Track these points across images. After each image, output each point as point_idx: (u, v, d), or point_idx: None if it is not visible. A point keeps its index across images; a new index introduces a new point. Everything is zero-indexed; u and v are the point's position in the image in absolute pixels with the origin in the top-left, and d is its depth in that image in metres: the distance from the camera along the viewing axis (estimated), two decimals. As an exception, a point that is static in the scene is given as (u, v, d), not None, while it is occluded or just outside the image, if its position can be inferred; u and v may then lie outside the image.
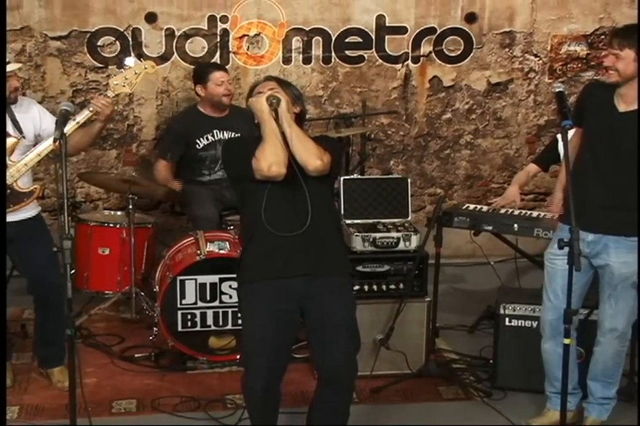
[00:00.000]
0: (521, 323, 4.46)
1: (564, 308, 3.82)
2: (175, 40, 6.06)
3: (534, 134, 6.66)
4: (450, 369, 4.78)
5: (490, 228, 4.98)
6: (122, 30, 5.98)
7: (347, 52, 6.28)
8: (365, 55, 6.31)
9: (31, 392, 4.49)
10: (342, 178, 4.80)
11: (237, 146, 3.76)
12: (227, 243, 4.85)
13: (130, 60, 4.60)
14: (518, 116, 6.62)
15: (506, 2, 6.37)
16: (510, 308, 4.50)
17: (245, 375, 3.67)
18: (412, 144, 6.57)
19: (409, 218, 4.85)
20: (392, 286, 4.64)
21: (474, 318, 5.39)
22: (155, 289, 4.98)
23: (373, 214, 4.81)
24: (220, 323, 4.78)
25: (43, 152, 4.21)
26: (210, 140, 5.62)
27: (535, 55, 6.51)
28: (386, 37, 6.28)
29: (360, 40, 6.26)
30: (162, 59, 6.04)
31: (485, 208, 5.14)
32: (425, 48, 6.35)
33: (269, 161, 3.43)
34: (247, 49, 6.17)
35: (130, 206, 5.12)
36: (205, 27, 6.08)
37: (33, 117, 4.34)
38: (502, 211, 5.07)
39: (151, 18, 5.99)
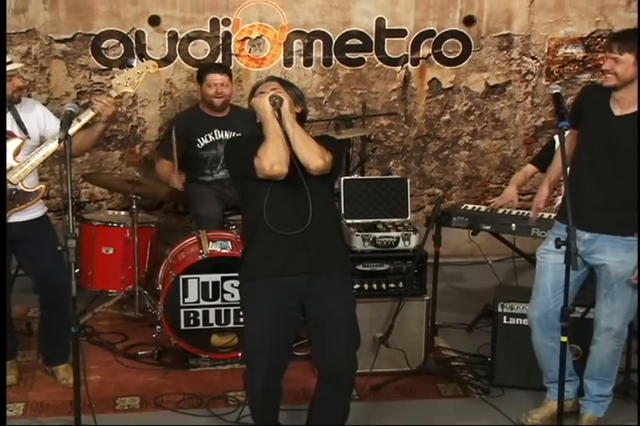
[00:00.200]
0: (519, 321, 4.46)
1: (552, 303, 3.85)
2: (178, 43, 6.06)
3: (531, 135, 6.66)
4: (449, 366, 4.78)
5: (488, 227, 5.00)
6: (125, 33, 5.98)
7: (348, 55, 6.28)
8: (365, 57, 6.31)
9: (36, 389, 4.49)
10: (342, 178, 4.80)
11: (240, 145, 3.76)
12: (229, 242, 4.85)
13: (133, 61, 4.60)
14: (516, 117, 6.62)
15: (504, 5, 6.37)
16: (508, 306, 4.51)
17: (247, 372, 3.67)
18: (412, 145, 6.57)
19: (409, 218, 4.85)
20: (392, 285, 4.64)
21: (473, 316, 5.38)
22: (158, 288, 4.99)
23: (373, 214, 4.81)
24: (222, 321, 4.78)
25: (48, 152, 4.20)
26: (211, 139, 5.63)
27: (533, 58, 6.51)
28: (386, 39, 6.29)
29: (361, 42, 6.27)
30: (165, 61, 6.05)
31: (483, 208, 5.16)
32: (425, 50, 6.35)
33: (271, 160, 3.43)
34: (249, 52, 6.17)
35: (134, 206, 5.12)
36: (208, 30, 6.08)
37: (37, 118, 4.34)
38: (500, 211, 5.08)
39: (154, 21, 6.00)
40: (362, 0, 6.20)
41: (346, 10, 6.21)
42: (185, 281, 4.72)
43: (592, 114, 3.85)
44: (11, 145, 4.21)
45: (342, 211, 4.73)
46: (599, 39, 6.48)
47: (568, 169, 3.60)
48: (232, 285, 4.70)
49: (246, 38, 6.14)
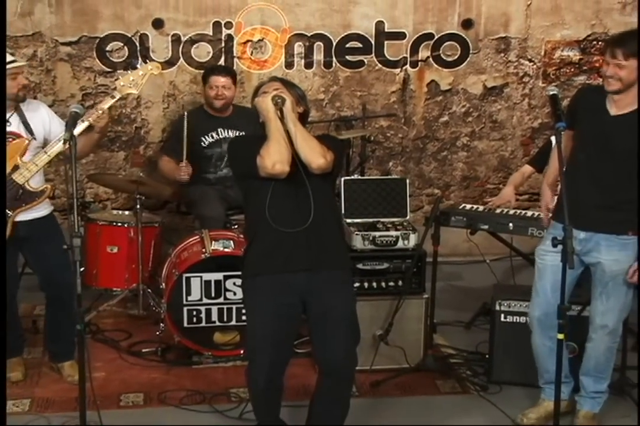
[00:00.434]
0: (516, 319, 4.46)
1: (552, 303, 3.84)
2: (181, 46, 6.06)
3: (528, 137, 6.66)
4: (447, 363, 4.78)
5: (486, 227, 5.00)
6: (130, 35, 5.98)
7: (348, 57, 6.28)
8: (365, 60, 6.31)
9: (42, 385, 4.49)
10: (342, 179, 4.80)
11: (243, 144, 3.76)
12: (232, 241, 4.85)
13: (138, 64, 4.60)
14: (513, 118, 6.62)
15: (501, 8, 6.37)
16: (505, 304, 4.50)
17: (249, 369, 3.67)
18: (411, 146, 6.57)
19: (408, 217, 4.85)
20: (391, 284, 4.64)
21: (471, 314, 5.38)
22: (161, 286, 4.99)
23: (373, 214, 4.81)
24: (225, 319, 4.78)
25: (53, 153, 4.20)
26: (215, 138, 5.62)
27: (530, 60, 6.51)
28: (385, 42, 6.29)
29: (360, 45, 6.27)
30: (169, 63, 6.05)
31: (481, 208, 5.16)
32: (423, 53, 6.35)
33: (273, 159, 3.44)
34: (251, 54, 6.17)
35: (138, 206, 5.12)
36: (211, 33, 6.08)
37: (42, 120, 4.34)
38: (498, 210, 5.09)
39: (158, 24, 6.00)
40: (362, 4, 6.21)
41: (346, 13, 6.21)
42: (188, 279, 4.71)
43: (588, 115, 3.85)
44: (17, 145, 4.21)
45: (343, 211, 4.73)
46: (594, 42, 6.49)
47: (564, 169, 3.60)
48: (234, 283, 4.70)
49: (248, 41, 6.14)
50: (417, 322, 4.66)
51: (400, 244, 4.63)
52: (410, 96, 6.45)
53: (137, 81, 4.37)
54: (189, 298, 4.73)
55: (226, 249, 4.77)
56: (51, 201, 4.49)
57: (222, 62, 6.10)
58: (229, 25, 6.08)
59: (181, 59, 6.09)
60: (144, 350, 4.88)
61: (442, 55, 6.38)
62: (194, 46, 6.09)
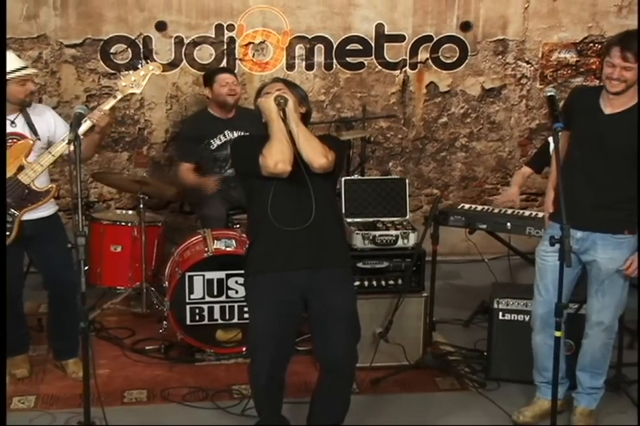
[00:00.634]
0: (514, 316, 4.46)
1: (555, 302, 3.83)
2: (184, 48, 6.06)
3: (526, 137, 6.66)
4: (446, 361, 4.78)
5: (484, 226, 5.01)
6: (133, 38, 5.98)
7: (348, 59, 6.28)
8: (365, 62, 6.31)
9: (47, 382, 4.49)
10: (343, 179, 4.80)
11: (246, 144, 3.76)
12: (234, 240, 4.85)
13: (140, 65, 4.59)
14: (511, 119, 6.62)
15: (499, 11, 6.37)
16: (503, 302, 4.50)
17: (251, 366, 3.68)
18: (410, 146, 6.57)
19: (407, 217, 4.85)
20: (391, 282, 4.64)
21: (469, 312, 5.38)
22: (164, 285, 4.99)
23: (373, 213, 4.81)
24: (227, 317, 4.78)
25: (57, 152, 4.20)
26: (222, 140, 5.60)
27: (527, 62, 6.51)
28: (385, 44, 6.29)
29: (361, 47, 6.27)
30: (172, 65, 6.05)
31: (479, 208, 5.17)
32: (423, 55, 6.35)
33: (275, 158, 3.43)
34: (253, 56, 6.17)
35: (141, 206, 5.12)
36: (213, 35, 6.08)
37: (47, 123, 4.34)
38: (496, 210, 5.10)
39: (161, 26, 6.00)
40: (362, 7, 6.20)
41: (347, 16, 6.21)
42: (190, 278, 4.71)
43: (583, 114, 3.84)
44: (22, 146, 4.21)
45: (343, 210, 4.73)
46: (591, 44, 6.49)
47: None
48: (236, 282, 4.70)
49: (250, 43, 6.14)
50: (416, 320, 4.66)
51: (399, 243, 4.63)
52: (409, 98, 6.45)
53: (138, 81, 4.37)
54: (192, 296, 4.73)
55: (228, 248, 4.77)
56: (56, 201, 4.49)
57: (224, 63, 6.10)
58: (231, 27, 6.08)
59: (184, 61, 6.09)
60: (147, 348, 4.88)
61: (441, 57, 6.37)
62: (197, 48, 6.09)
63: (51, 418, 4.10)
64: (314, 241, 3.51)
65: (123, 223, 5.32)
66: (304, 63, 6.24)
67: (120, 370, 4.65)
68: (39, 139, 4.27)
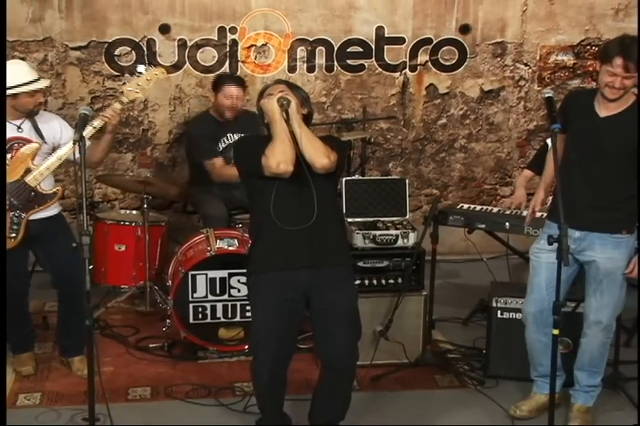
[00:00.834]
0: (512, 315, 4.45)
1: (547, 300, 3.85)
2: (187, 50, 6.07)
3: (524, 139, 6.66)
4: (445, 359, 4.77)
5: (483, 226, 5.00)
6: (137, 40, 5.99)
7: (349, 61, 6.28)
8: (366, 64, 6.31)
9: (52, 380, 4.49)
10: (344, 179, 4.80)
11: (248, 144, 3.76)
12: (236, 240, 4.84)
13: (141, 68, 4.58)
14: (509, 121, 6.61)
15: (498, 14, 6.37)
16: (502, 301, 4.50)
17: (253, 364, 3.68)
18: (410, 147, 6.57)
19: (407, 217, 4.84)
20: (391, 281, 4.63)
21: (468, 310, 5.37)
22: (168, 284, 4.98)
23: (373, 213, 4.81)
24: (229, 315, 4.78)
25: (63, 156, 4.21)
26: (226, 143, 5.59)
27: (525, 65, 6.51)
28: (385, 47, 6.29)
29: (361, 50, 6.27)
30: (175, 67, 6.06)
31: (478, 208, 5.17)
32: (422, 57, 6.35)
33: (278, 159, 3.43)
34: (255, 58, 6.17)
35: (145, 206, 5.11)
36: (216, 38, 6.08)
37: (54, 129, 4.34)
38: (495, 210, 5.10)
39: (165, 29, 6.00)
40: (362, 10, 6.21)
41: (347, 19, 6.21)
42: (194, 277, 4.71)
43: (579, 117, 3.84)
44: (28, 149, 4.21)
45: (344, 210, 4.72)
46: (588, 47, 6.49)
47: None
48: (238, 281, 4.70)
49: (252, 45, 6.14)
50: (416, 318, 4.65)
51: (399, 242, 4.63)
52: (409, 99, 6.44)
53: (143, 86, 4.37)
54: (195, 295, 4.73)
55: (231, 248, 4.76)
56: (61, 201, 4.49)
57: (226, 66, 6.11)
58: (233, 30, 6.08)
59: (187, 63, 6.09)
60: (151, 345, 4.88)
61: (440, 59, 6.38)
62: (200, 51, 6.09)
63: (56, 414, 4.10)
64: (315, 241, 3.50)
65: (127, 223, 5.32)
66: (305, 65, 6.24)
67: (125, 368, 4.64)
68: (45, 143, 4.27)
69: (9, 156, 4.19)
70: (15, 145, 4.21)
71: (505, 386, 4.43)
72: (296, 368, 3.98)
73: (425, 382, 4.52)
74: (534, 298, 4.02)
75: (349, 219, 4.72)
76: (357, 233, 4.59)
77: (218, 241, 4.82)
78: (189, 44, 6.06)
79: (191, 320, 4.75)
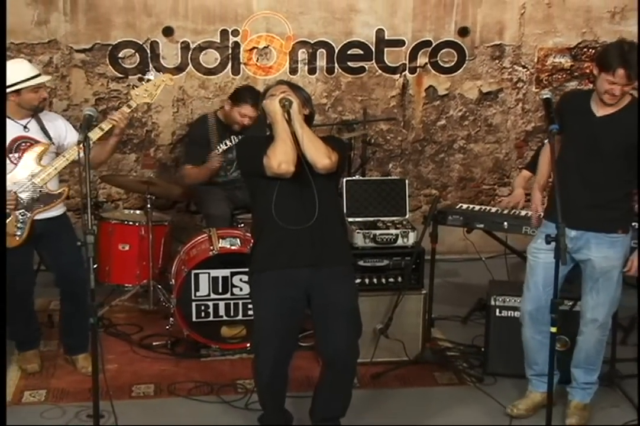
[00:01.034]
0: (510, 313, 4.45)
1: (543, 298, 3.84)
2: (190, 53, 6.07)
3: (522, 140, 6.65)
4: (444, 356, 4.77)
5: (481, 225, 5.01)
6: (141, 43, 5.99)
7: (349, 64, 6.28)
8: (366, 66, 6.31)
9: (57, 377, 4.48)
10: (344, 179, 4.80)
11: (251, 144, 3.76)
12: (238, 239, 4.84)
13: (150, 75, 4.63)
14: (507, 122, 6.61)
15: (496, 17, 6.37)
16: (500, 299, 4.50)
17: (255, 361, 3.68)
18: (409, 148, 6.57)
19: (407, 217, 4.84)
20: (391, 280, 4.63)
21: (467, 309, 5.37)
22: (171, 282, 4.98)
23: (373, 213, 4.81)
24: (232, 314, 4.77)
25: (70, 156, 4.21)
26: (228, 145, 5.58)
27: (523, 67, 6.51)
28: (385, 49, 6.29)
29: (361, 52, 6.27)
30: (178, 69, 6.06)
31: (477, 207, 5.17)
32: (422, 59, 6.35)
33: (279, 159, 3.43)
34: (257, 61, 6.17)
35: (149, 206, 5.12)
36: (218, 40, 6.08)
37: (59, 128, 4.34)
38: (493, 210, 5.10)
39: (168, 32, 6.00)
40: (363, 12, 6.21)
41: (348, 21, 6.21)
42: (196, 275, 4.71)
43: (575, 117, 3.83)
44: (35, 150, 4.21)
45: (345, 210, 4.72)
46: (585, 49, 6.49)
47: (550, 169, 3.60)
48: (240, 280, 4.70)
49: (254, 48, 6.14)
50: (415, 317, 4.65)
51: (399, 242, 4.63)
52: (409, 101, 6.44)
53: (151, 91, 4.41)
54: (198, 294, 4.72)
55: (233, 247, 4.76)
56: (66, 201, 4.48)
57: (229, 68, 6.11)
58: (235, 33, 6.08)
59: (190, 65, 6.09)
60: (154, 343, 4.88)
61: (439, 61, 6.37)
62: (203, 53, 6.09)
63: (61, 411, 4.10)
64: (317, 240, 3.50)
65: (131, 223, 5.32)
66: (306, 67, 6.24)
67: (129, 365, 4.64)
68: (52, 143, 4.28)
69: (16, 155, 4.19)
70: (23, 144, 4.21)
71: (504, 384, 4.42)
72: (297, 366, 3.98)
73: (424, 379, 4.52)
74: (531, 296, 4.02)
75: (350, 219, 4.72)
76: (358, 232, 4.59)
77: (220, 240, 4.81)
78: (192, 46, 6.06)
79: (194, 318, 4.75)
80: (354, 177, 5.21)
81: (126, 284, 5.31)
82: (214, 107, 6.02)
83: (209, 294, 4.74)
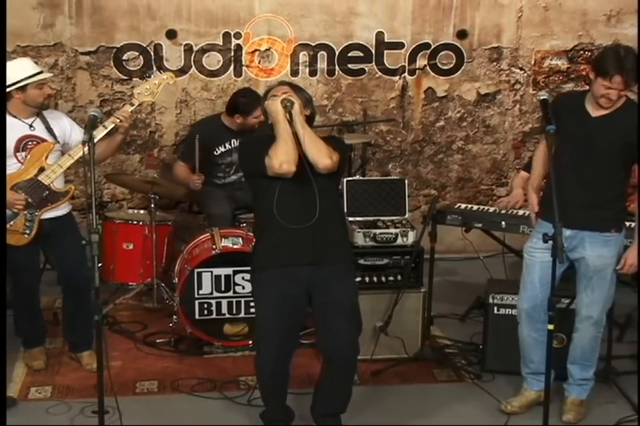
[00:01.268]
0: (508, 311, 4.45)
1: (540, 297, 3.84)
2: (193, 55, 6.07)
3: (519, 140, 6.65)
4: (443, 353, 4.77)
5: (480, 225, 5.01)
6: (145, 45, 5.99)
7: (350, 66, 6.28)
8: (366, 68, 6.31)
9: (62, 374, 4.49)
10: (345, 179, 4.79)
11: (253, 145, 3.76)
12: (240, 238, 4.84)
13: (153, 74, 4.64)
14: (505, 123, 6.61)
15: (494, 20, 6.37)
16: (498, 298, 4.50)
17: (257, 358, 3.68)
18: (409, 149, 6.56)
19: (406, 216, 4.84)
20: (391, 278, 4.63)
21: (465, 307, 5.37)
22: (174, 281, 4.98)
23: (373, 212, 4.80)
24: (234, 312, 4.77)
25: (76, 154, 4.21)
26: (227, 148, 5.58)
27: (521, 69, 6.50)
28: (385, 51, 6.28)
29: (362, 54, 6.26)
30: (181, 71, 6.05)
31: (475, 207, 5.17)
32: (421, 62, 6.34)
33: (280, 159, 3.42)
34: (259, 63, 6.17)
35: (152, 205, 5.12)
36: (221, 43, 6.08)
37: (63, 127, 4.35)
38: (491, 210, 5.10)
39: (171, 34, 6.00)
40: (363, 15, 6.20)
41: (348, 24, 6.20)
42: (199, 274, 4.71)
43: (570, 118, 3.82)
44: (43, 148, 4.21)
45: (345, 210, 4.71)
46: (581, 52, 6.49)
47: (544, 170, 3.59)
48: (242, 278, 4.70)
49: (256, 50, 6.14)
50: (415, 314, 4.65)
51: (399, 241, 4.62)
52: (408, 102, 6.44)
53: (152, 90, 4.39)
54: (200, 292, 4.72)
55: (235, 246, 4.76)
56: (71, 201, 4.49)
57: (231, 70, 6.11)
58: (238, 35, 6.08)
59: (193, 67, 6.09)
60: (158, 341, 4.88)
61: (438, 63, 6.37)
62: (205, 55, 6.09)
63: (66, 407, 4.10)
64: (318, 239, 3.50)
65: (135, 222, 5.32)
66: (307, 69, 6.24)
67: (133, 362, 4.64)
68: (58, 142, 4.28)
69: (23, 154, 4.19)
70: (30, 143, 4.21)
71: (501, 380, 4.43)
72: (299, 363, 3.98)
73: (424, 376, 4.52)
74: (528, 295, 4.02)
75: (350, 218, 4.71)
76: (358, 232, 4.59)
77: (223, 239, 4.81)
78: (195, 48, 6.05)
79: (197, 316, 4.75)
80: (354, 178, 5.20)
81: (130, 283, 5.31)
82: (217, 108, 6.02)
83: (211, 293, 4.74)
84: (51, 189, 4.24)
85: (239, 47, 6.11)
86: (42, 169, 4.21)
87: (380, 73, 6.34)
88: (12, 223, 4.16)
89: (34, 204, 4.20)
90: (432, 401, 4.24)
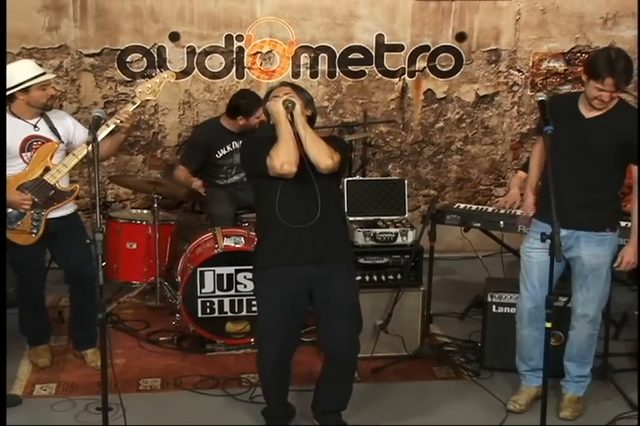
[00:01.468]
0: (506, 309, 4.45)
1: (541, 297, 3.83)
2: (195, 57, 6.07)
3: (517, 141, 6.65)
4: (442, 351, 4.77)
5: (478, 224, 5.01)
6: (148, 48, 5.99)
7: (350, 68, 6.28)
8: (366, 70, 6.31)
9: (67, 371, 4.49)
10: (345, 180, 4.79)
11: (254, 145, 3.75)
12: (242, 238, 4.84)
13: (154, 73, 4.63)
14: (503, 124, 6.60)
15: (492, 23, 6.37)
16: (496, 296, 4.50)
17: (259, 356, 3.68)
18: (408, 150, 6.56)
19: (406, 216, 4.84)
20: (391, 277, 4.63)
21: (464, 305, 5.37)
22: (177, 280, 4.98)
23: (373, 212, 4.80)
24: (236, 310, 4.77)
25: (80, 154, 4.21)
26: (228, 150, 5.58)
27: (519, 71, 6.50)
28: (385, 54, 6.28)
29: (362, 56, 6.27)
30: (184, 73, 6.06)
31: (474, 207, 5.17)
32: (420, 64, 6.34)
33: (282, 159, 3.42)
34: (260, 65, 6.17)
35: (155, 205, 5.11)
36: (223, 45, 6.09)
37: (67, 127, 4.35)
38: (490, 209, 5.10)
39: (174, 37, 6.01)
40: (363, 18, 6.21)
41: (349, 27, 6.21)
42: (202, 273, 4.71)
43: (565, 119, 3.81)
44: (48, 148, 4.21)
45: (346, 209, 4.71)
46: (578, 54, 6.48)
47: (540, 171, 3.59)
48: (244, 277, 4.70)
49: (258, 52, 6.14)
50: (414, 313, 4.65)
51: (399, 240, 4.62)
52: (408, 104, 6.44)
53: (154, 88, 4.38)
54: (203, 291, 4.73)
55: (237, 245, 4.77)
56: (75, 201, 4.49)
57: (233, 72, 6.12)
58: (240, 38, 6.09)
59: (195, 69, 6.10)
60: (161, 339, 4.88)
61: (437, 65, 6.37)
62: (208, 57, 6.09)
63: (71, 404, 4.10)
64: (319, 238, 3.50)
65: (138, 222, 5.31)
66: (308, 71, 6.24)
67: (136, 360, 4.65)
68: (62, 142, 4.28)
69: (29, 154, 4.19)
70: (35, 144, 4.22)
71: (500, 378, 4.43)
72: (300, 361, 3.98)
73: (423, 374, 4.52)
74: (529, 295, 4.02)
75: (351, 218, 4.71)
76: (358, 231, 4.59)
77: (225, 238, 4.81)
78: (198, 51, 6.06)
79: (199, 314, 4.75)
80: (354, 178, 5.21)
81: (134, 282, 5.31)
82: (219, 109, 6.01)
83: (214, 291, 4.74)
84: (57, 189, 4.24)
85: (241, 50, 6.11)
86: (47, 169, 4.21)
87: (380, 75, 6.34)
88: (19, 222, 4.17)
89: (40, 203, 4.20)
90: (431, 398, 4.24)
